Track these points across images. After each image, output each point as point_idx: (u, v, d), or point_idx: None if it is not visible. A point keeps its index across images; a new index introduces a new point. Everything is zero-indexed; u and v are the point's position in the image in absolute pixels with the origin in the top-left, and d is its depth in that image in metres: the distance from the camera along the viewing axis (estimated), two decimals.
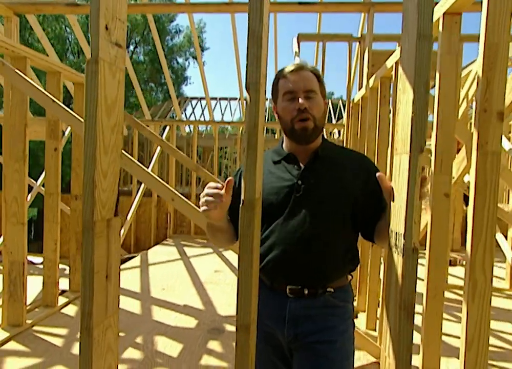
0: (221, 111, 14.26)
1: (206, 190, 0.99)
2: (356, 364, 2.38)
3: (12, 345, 2.55)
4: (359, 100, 3.50)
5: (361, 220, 1.13)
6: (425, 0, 0.80)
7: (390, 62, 2.44)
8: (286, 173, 1.14)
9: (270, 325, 1.12)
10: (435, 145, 1.64)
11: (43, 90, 2.28)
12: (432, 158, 1.65)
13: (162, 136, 6.56)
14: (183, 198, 2.29)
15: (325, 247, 1.10)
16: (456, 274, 4.39)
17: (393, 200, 0.92)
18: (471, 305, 1.29)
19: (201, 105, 14.50)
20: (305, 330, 1.09)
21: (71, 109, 2.38)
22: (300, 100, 1.09)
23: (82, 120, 2.15)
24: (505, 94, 1.28)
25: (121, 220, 1.00)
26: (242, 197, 0.84)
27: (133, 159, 2.30)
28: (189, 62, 22.87)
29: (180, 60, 22.67)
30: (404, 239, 0.83)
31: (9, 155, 2.69)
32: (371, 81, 3.02)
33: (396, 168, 0.92)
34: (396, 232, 0.88)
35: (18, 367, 2.28)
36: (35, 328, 2.79)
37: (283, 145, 1.21)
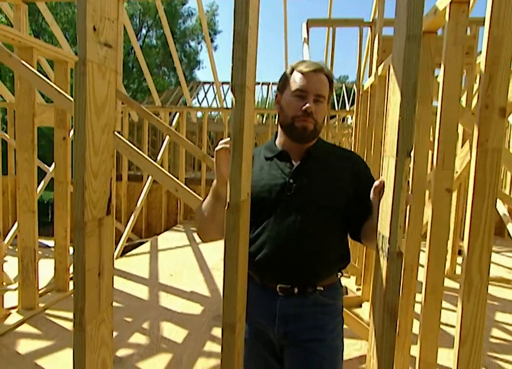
0: None
1: (222, 141, 0.99)
2: (357, 353, 2.42)
3: (25, 328, 2.66)
4: (368, 87, 3.44)
5: (350, 220, 1.13)
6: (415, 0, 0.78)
7: None
8: (278, 171, 1.13)
9: (261, 322, 1.14)
10: (438, 140, 1.61)
11: (49, 82, 2.30)
12: (434, 153, 1.63)
13: (172, 122, 6.59)
14: (187, 188, 2.31)
15: (316, 246, 1.10)
16: None
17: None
18: (466, 304, 1.29)
19: (213, 90, 14.41)
20: (295, 329, 1.10)
21: None
22: (309, 104, 1.08)
23: None
24: (508, 89, 1.25)
25: (113, 218, 1.02)
26: (227, 200, 0.85)
27: (136, 149, 2.32)
28: (201, 46, 22.67)
29: (193, 43, 22.48)
30: (389, 243, 0.83)
31: (19, 144, 2.75)
32: (380, 68, 2.95)
33: (385, 170, 0.91)
34: (383, 236, 0.88)
35: (31, 349, 2.39)
36: (47, 311, 2.90)
37: (276, 142, 1.19)
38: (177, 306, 3.06)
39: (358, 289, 3.39)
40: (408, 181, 0.85)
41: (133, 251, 4.75)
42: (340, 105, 12.79)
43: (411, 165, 1.96)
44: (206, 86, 14.63)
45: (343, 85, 14.03)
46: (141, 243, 5.44)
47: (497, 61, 1.23)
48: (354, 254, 3.83)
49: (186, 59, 21.45)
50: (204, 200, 1.18)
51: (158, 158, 5.88)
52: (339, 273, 1.17)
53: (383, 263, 0.87)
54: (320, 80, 1.10)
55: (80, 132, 0.89)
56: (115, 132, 2.42)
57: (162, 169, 2.35)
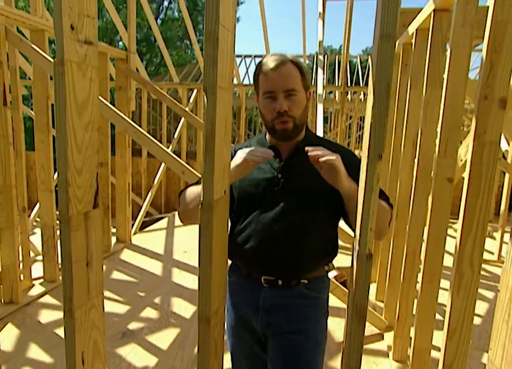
0: None
1: (258, 149, 1.04)
2: None
3: (47, 299, 2.85)
4: None
5: (341, 210, 1.12)
6: None
7: (411, 28, 2.26)
8: (267, 166, 1.14)
9: (246, 312, 1.18)
10: (441, 127, 1.56)
11: None
12: (437, 141, 1.58)
13: (190, 98, 6.58)
14: (193, 171, 2.34)
15: (301, 240, 1.11)
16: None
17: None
18: (455, 297, 1.29)
19: (236, 63, 14.17)
20: (278, 320, 1.13)
21: None
22: (280, 102, 1.06)
23: None
24: (510, 80, 1.18)
25: (100, 211, 1.06)
26: (201, 199, 0.86)
27: (145, 132, 2.36)
28: None
29: None
30: (358, 245, 0.83)
31: (36, 125, 2.84)
32: (396, 44, 2.82)
33: (362, 171, 0.90)
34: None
35: (51, 319, 2.56)
36: None
37: (267, 136, 1.20)
38: (188, 282, 3.17)
39: None
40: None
41: (151, 227, 4.90)
42: (365, 78, 12.35)
43: (416, 153, 1.91)
44: None
45: (369, 57, 13.50)
46: (160, 218, 5.59)
47: (499, 49, 1.16)
48: None
49: None
50: (189, 185, 1.18)
51: (176, 135, 5.93)
52: (326, 267, 1.18)
53: (355, 263, 0.88)
54: (285, 74, 1.06)
55: (61, 131, 0.91)
56: (123, 115, 2.46)
57: (169, 152, 2.38)
